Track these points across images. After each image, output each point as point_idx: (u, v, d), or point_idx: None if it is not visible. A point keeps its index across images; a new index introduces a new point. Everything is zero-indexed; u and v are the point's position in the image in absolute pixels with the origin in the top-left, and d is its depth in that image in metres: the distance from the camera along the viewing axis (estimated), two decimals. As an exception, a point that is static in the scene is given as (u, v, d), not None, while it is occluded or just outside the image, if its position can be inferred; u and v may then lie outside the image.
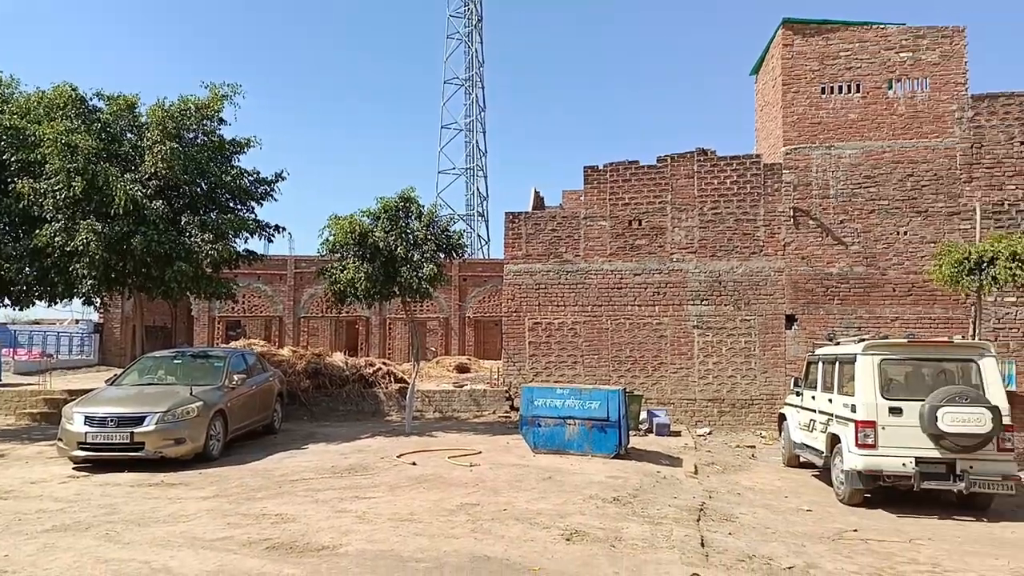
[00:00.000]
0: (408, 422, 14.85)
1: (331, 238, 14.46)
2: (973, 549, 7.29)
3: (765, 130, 17.38)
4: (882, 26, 15.53)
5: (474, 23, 61.88)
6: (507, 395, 16.98)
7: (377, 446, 12.61)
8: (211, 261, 14.33)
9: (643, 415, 15.10)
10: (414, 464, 10.83)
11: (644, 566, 6.14)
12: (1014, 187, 14.69)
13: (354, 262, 14.23)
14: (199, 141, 15.11)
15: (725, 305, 15.83)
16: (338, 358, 19.37)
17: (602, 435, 11.60)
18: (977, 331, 13.14)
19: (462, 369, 25.04)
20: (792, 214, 15.59)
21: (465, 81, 62.59)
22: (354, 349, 33.92)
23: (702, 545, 6.89)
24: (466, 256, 35.70)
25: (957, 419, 8.50)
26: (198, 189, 14.92)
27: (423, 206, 14.87)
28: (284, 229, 16.26)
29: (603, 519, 7.69)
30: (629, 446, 12.33)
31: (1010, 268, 11.91)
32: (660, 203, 16.28)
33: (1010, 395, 12.89)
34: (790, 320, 15.56)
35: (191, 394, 11.24)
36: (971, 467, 8.58)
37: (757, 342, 15.67)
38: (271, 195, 15.84)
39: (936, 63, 15.17)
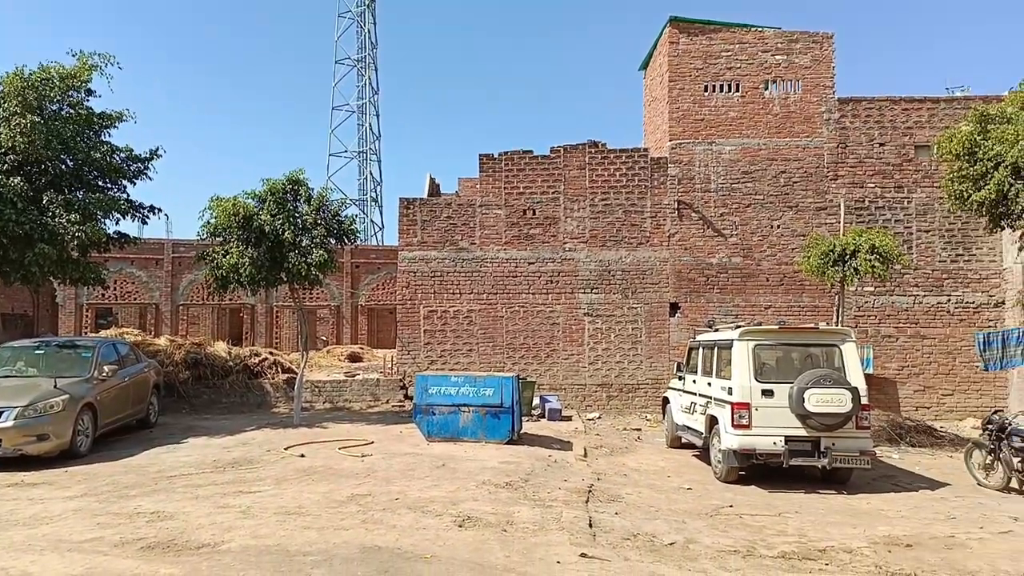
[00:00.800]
0: (297, 413, 14.40)
1: (212, 220, 13.73)
2: (834, 519, 7.92)
3: (652, 125, 18.02)
4: (760, 29, 16.43)
5: (367, 2, 60.35)
6: (401, 384, 16.82)
7: (263, 438, 12.16)
8: (78, 244, 13.28)
9: (536, 401, 15.38)
10: (302, 456, 10.53)
11: (534, 548, 6.26)
12: (874, 185, 15.98)
13: (238, 246, 13.59)
14: (64, 113, 13.91)
15: (614, 294, 16.34)
16: (221, 348, 18.50)
17: (496, 421, 11.71)
18: (840, 318, 14.23)
19: (354, 358, 24.57)
20: (677, 206, 16.28)
21: (358, 62, 61.05)
22: (239, 338, 32.48)
23: (590, 525, 7.11)
24: (359, 242, 34.99)
25: (822, 400, 9.18)
26: (63, 166, 13.75)
27: (313, 189, 14.39)
28: (160, 210, 15.27)
29: (495, 504, 7.78)
30: (522, 431, 12.53)
31: (869, 260, 12.98)
32: (554, 193, 16.56)
33: (867, 377, 14.07)
34: (674, 308, 16.27)
35: (55, 387, 10.39)
36: (833, 444, 9.29)
37: (643, 329, 16.29)
38: (145, 174, 14.83)
39: (808, 66, 16.24)
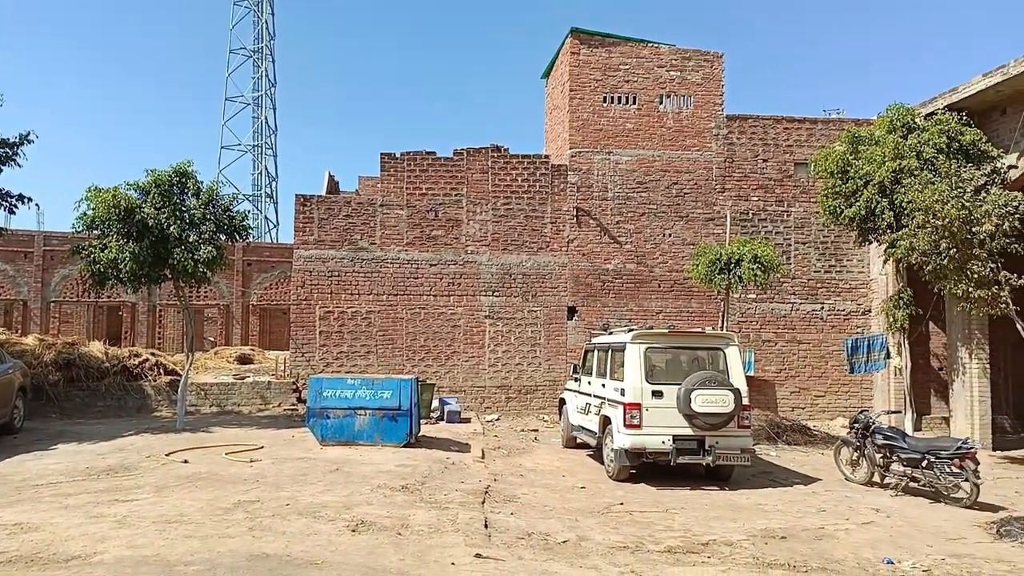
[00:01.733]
0: (180, 418, 13.67)
1: (90, 212, 12.83)
2: (716, 514, 8.33)
3: (553, 132, 18.37)
4: (656, 45, 17.10)
5: (265, -7, 58.26)
6: (294, 387, 16.30)
7: (142, 444, 11.46)
8: (-70, 233, 12.07)
9: (435, 403, 15.30)
10: (185, 462, 10.00)
11: (429, 551, 6.23)
12: (757, 199, 16.95)
13: (117, 240, 12.77)
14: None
15: (515, 297, 16.52)
16: (96, 348, 17.28)
17: (393, 424, 11.56)
18: (725, 323, 15.00)
19: (244, 360, 23.58)
20: (575, 213, 16.66)
21: (254, 52, 58.81)
22: (118, 338, 30.45)
23: (486, 526, 7.15)
24: (251, 239, 33.65)
25: (707, 400, 9.64)
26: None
27: (202, 182, 13.73)
28: (30, 200, 14.11)
29: (391, 508, 7.68)
30: (420, 434, 12.43)
31: (752, 269, 13.76)
32: (456, 195, 16.56)
33: (749, 379, 14.87)
34: (572, 311, 16.63)
35: (-102, 391, 9.39)
36: (717, 442, 9.77)
37: (542, 332, 16.55)
38: (14, 160, 13.65)
39: (699, 83, 17.04)
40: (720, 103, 17.08)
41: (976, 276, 11.25)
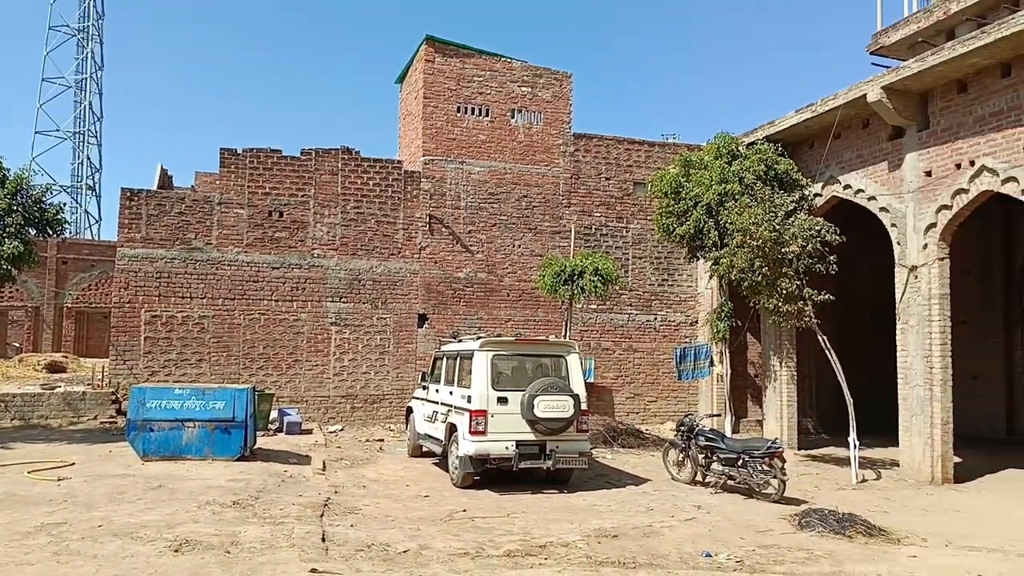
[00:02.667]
0: (-27, 433, 12.07)
1: None
2: (555, 517, 8.61)
3: (407, 138, 18.26)
4: (509, 60, 17.52)
5: (92, -33, 53.24)
6: (114, 398, 14.91)
7: (-78, 465, 10.00)
8: None
9: (274, 414, 14.62)
10: (-23, 483, 8.84)
11: (260, 568, 5.93)
12: (600, 215, 17.79)
13: (-102, 231, 11.10)
14: None
15: (364, 303, 16.18)
16: None
17: (226, 437, 10.91)
18: (568, 332, 15.58)
19: (55, 368, 21.28)
20: (428, 221, 16.64)
21: (78, 31, 53.52)
22: None
23: (323, 540, 6.92)
24: (67, 235, 30.51)
25: (548, 406, 9.96)
26: None
27: (9, 170, 12.29)
28: None
29: (219, 525, 7.23)
30: (256, 447, 11.82)
31: (594, 281, 14.42)
32: (303, 197, 15.98)
33: (589, 385, 15.50)
34: (422, 319, 16.56)
35: None
36: (557, 447, 10.11)
37: (392, 339, 16.33)
38: None
39: (549, 101, 17.66)
40: (568, 121, 17.79)
41: (785, 292, 12.49)
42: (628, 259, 17.91)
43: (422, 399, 12.54)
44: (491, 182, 17.12)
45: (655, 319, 18.03)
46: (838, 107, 12.82)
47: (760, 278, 12.65)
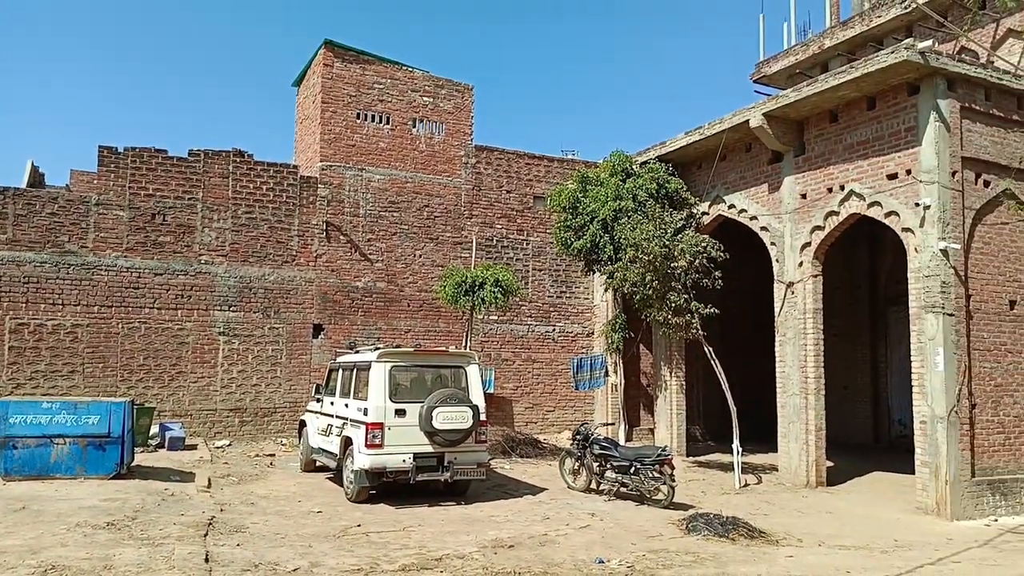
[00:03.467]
0: None
1: None
2: (452, 529, 8.56)
3: (304, 143, 17.79)
4: (411, 69, 17.44)
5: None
6: (-30, 413, 13.59)
7: None
8: None
9: (155, 429, 13.79)
10: None
11: (137, 594, 5.56)
12: (501, 226, 17.96)
13: None
14: None
15: (255, 312, 15.56)
16: None
17: (100, 454, 10.18)
18: (468, 342, 15.60)
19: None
20: (325, 228, 16.24)
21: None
22: None
23: (207, 560, 6.58)
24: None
25: (447, 417, 9.92)
26: None
27: None
28: None
29: (91, 548, 6.72)
30: (135, 464, 11.10)
31: (494, 292, 14.51)
32: (190, 199, 15.22)
33: (489, 396, 15.53)
34: (317, 329, 16.10)
35: None
36: (455, 458, 10.08)
37: (284, 350, 15.78)
38: None
39: (451, 112, 17.69)
40: (470, 133, 17.88)
41: (674, 305, 13.05)
42: (528, 271, 18.16)
43: (316, 412, 12.19)
44: (392, 190, 16.93)
45: (554, 330, 18.34)
46: (723, 131, 13.56)
47: (651, 291, 13.15)
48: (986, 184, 11.07)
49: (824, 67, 18.22)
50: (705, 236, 13.60)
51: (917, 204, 10.63)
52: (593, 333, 18.51)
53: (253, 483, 11.10)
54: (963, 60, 11.20)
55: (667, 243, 12.86)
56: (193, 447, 13.76)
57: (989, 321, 10.96)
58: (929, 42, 10.51)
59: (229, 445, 14.67)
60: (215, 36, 63.23)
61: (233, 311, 15.37)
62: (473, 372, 10.77)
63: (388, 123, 17.04)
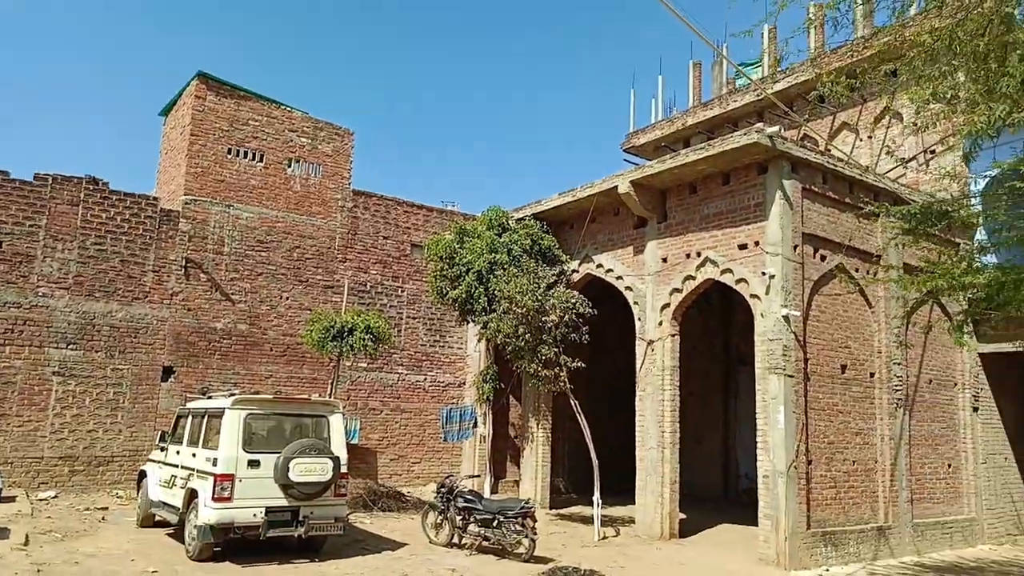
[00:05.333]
0: None
1: None
2: (302, 587, 8.09)
3: (168, 175, 16.89)
4: (290, 109, 17.12)
5: None
6: None
7: None
8: None
9: (-36, 479, 12.19)
10: None
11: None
12: (376, 272, 17.72)
13: None
14: None
15: (97, 351, 14.31)
16: None
17: None
18: (333, 390, 15.09)
19: None
20: (184, 264, 15.35)
21: None
22: None
23: (13, 632, 5.82)
24: None
25: (305, 469, 9.48)
26: None
27: None
28: None
29: None
30: (-67, 520, 9.73)
31: (364, 339, 14.22)
32: (31, 226, 13.95)
33: (353, 447, 15.06)
34: (168, 372, 15.03)
35: None
36: (312, 512, 9.61)
37: (128, 394, 14.56)
38: None
39: (329, 155, 17.46)
40: (348, 177, 17.69)
41: (544, 358, 13.34)
42: (402, 318, 17.96)
43: (160, 461, 11.28)
44: (261, 229, 16.33)
45: (425, 379, 18.13)
46: (595, 194, 14.23)
47: (523, 343, 13.38)
48: (822, 258, 12.24)
49: (687, 142, 19.68)
50: (575, 292, 14.08)
51: (763, 273, 11.56)
52: (465, 383, 18.46)
53: (80, 539, 10.03)
54: (805, 146, 12.47)
55: (540, 297, 13.20)
56: (11, 499, 12.27)
57: (824, 383, 11.97)
58: (777, 128, 11.64)
59: (55, 497, 13.21)
60: (79, 63, 59.23)
61: (71, 349, 14.06)
62: (336, 422, 10.41)
63: (262, 161, 16.53)
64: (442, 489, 11.46)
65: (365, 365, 17.00)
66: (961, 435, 14.45)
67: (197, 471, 9.72)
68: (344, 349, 14.38)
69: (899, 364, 13.10)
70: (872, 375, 12.78)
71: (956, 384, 14.55)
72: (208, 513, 9.06)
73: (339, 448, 10.16)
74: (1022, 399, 15.96)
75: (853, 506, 12.07)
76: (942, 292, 9.66)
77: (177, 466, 10.50)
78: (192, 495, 9.62)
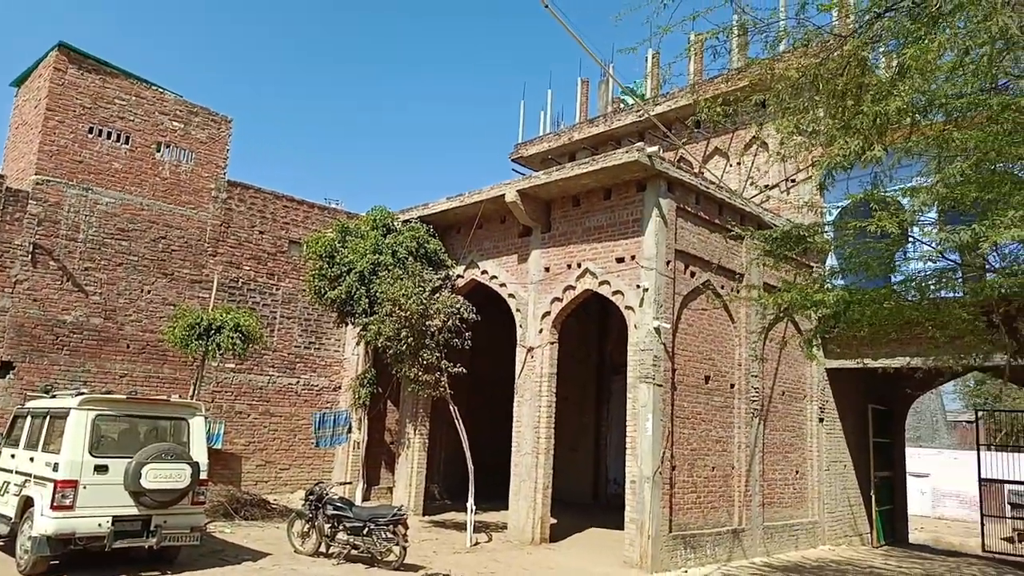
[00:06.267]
0: None
1: None
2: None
3: (17, 151, 15.37)
4: (162, 90, 16.04)
5: None
6: None
7: None
8: None
9: None
10: None
11: None
12: (249, 268, 16.90)
13: None
14: None
15: (-82, 343, 12.73)
16: None
17: None
18: (196, 392, 14.21)
19: None
20: (32, 251, 13.99)
21: None
22: None
23: None
24: None
25: (160, 475, 8.84)
26: None
27: None
28: None
29: None
30: None
31: (232, 338, 13.50)
32: None
33: (216, 452, 14.26)
34: (6, 367, 13.62)
35: None
36: (165, 521, 8.97)
37: (-44, 391, 13.05)
38: None
39: (204, 142, 16.50)
40: (224, 166, 16.78)
41: (425, 362, 13.19)
42: (276, 318, 17.21)
43: (-9, 467, 10.16)
44: (123, 216, 15.17)
45: (298, 382, 17.46)
46: (482, 201, 14.28)
47: (405, 347, 13.18)
48: (692, 274, 12.90)
49: (572, 156, 20.20)
50: (460, 297, 14.04)
51: (638, 286, 12.02)
52: (341, 387, 17.94)
53: None
54: (681, 168, 13.11)
55: (424, 301, 13.05)
56: None
57: (689, 393, 12.59)
58: (656, 148, 12.17)
59: None
60: (-87, 10, 52.77)
61: None
62: (197, 425, 9.79)
63: (127, 143, 15.37)
64: (311, 496, 11.04)
65: (233, 366, 16.16)
66: (808, 443, 15.64)
67: (35, 477, 8.84)
68: (210, 348, 13.59)
69: (756, 376, 14.01)
70: (732, 386, 13.58)
71: (805, 396, 15.74)
72: (45, 523, 8.25)
73: (199, 453, 9.55)
74: (860, 411, 17.50)
75: (711, 510, 12.75)
76: (796, 309, 10.41)
77: (11, 471, 9.51)
78: (27, 503, 8.74)
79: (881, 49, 8.42)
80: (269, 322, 16.92)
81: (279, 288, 17.39)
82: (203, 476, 9.45)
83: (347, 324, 15.84)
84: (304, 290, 16.46)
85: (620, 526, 11.93)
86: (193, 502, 9.35)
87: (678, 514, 11.94)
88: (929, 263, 8.56)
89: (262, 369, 16.89)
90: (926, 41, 6.15)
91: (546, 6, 10.00)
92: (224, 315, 13.75)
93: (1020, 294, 7.60)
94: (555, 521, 13.71)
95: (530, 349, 13.69)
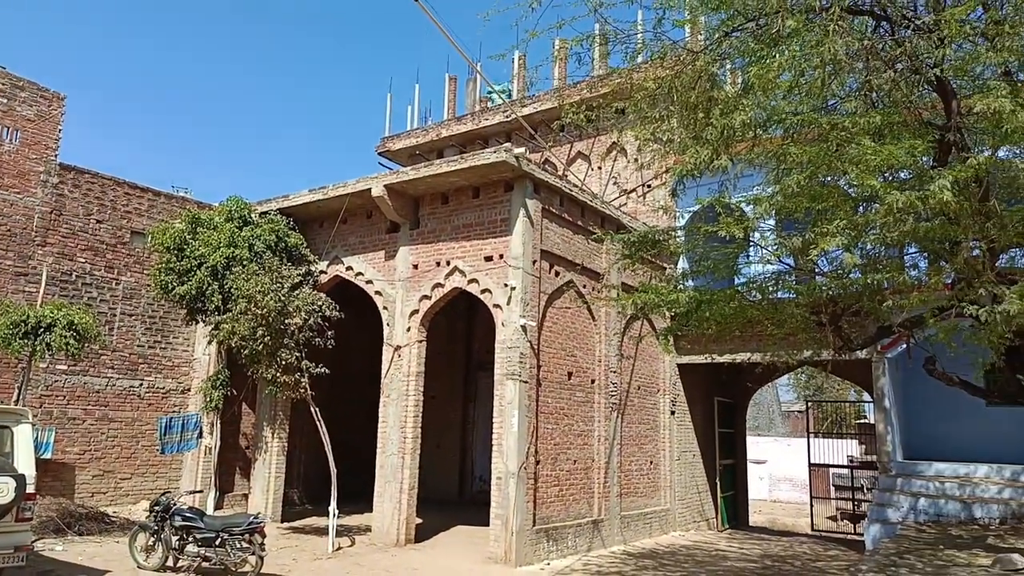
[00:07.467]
0: None
1: None
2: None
3: None
4: (-18, 60, 14.29)
5: None
6: None
7: None
8: None
9: None
10: None
11: None
12: (84, 260, 15.43)
13: None
14: None
15: None
16: None
17: None
18: (22, 396, 12.80)
19: None
20: None
21: None
22: None
23: None
24: None
25: (-24, 491, 7.87)
26: None
27: None
28: None
29: None
30: None
31: (65, 337, 12.29)
32: None
33: (45, 463, 12.95)
34: None
35: None
36: (-17, 543, 8.01)
37: None
38: None
39: (32, 120, 14.86)
40: (55, 148, 15.20)
41: (284, 363, 12.61)
42: (116, 315, 15.84)
43: None
44: (-70, 201, 13.36)
45: (141, 385, 16.17)
46: (347, 194, 13.91)
47: (262, 347, 12.53)
48: (557, 274, 13.25)
49: (440, 153, 20.15)
50: (322, 294, 13.56)
51: (506, 285, 12.19)
52: (190, 390, 16.81)
53: None
54: (546, 170, 13.43)
55: (283, 298, 12.47)
56: None
57: (553, 389, 12.94)
58: (523, 149, 12.38)
59: None
60: None
61: None
62: (23, 433, 8.79)
63: (-64, 116, 13.56)
64: (156, 507, 10.26)
65: (65, 367, 14.71)
66: (661, 435, 16.56)
67: None
68: (38, 348, 12.29)
69: (615, 372, 14.64)
70: (593, 381, 14.11)
71: (659, 390, 16.65)
72: None
73: (25, 464, 8.57)
74: (707, 404, 18.78)
75: (573, 502, 13.18)
76: (651, 308, 10.98)
77: None
78: None
79: (728, 66, 9.06)
80: (108, 319, 15.56)
81: (119, 282, 16.01)
82: (31, 490, 8.51)
83: (198, 322, 14.87)
84: (149, 285, 15.27)
85: (486, 523, 12.04)
86: (18, 519, 8.37)
87: (542, 508, 12.24)
88: (768, 266, 9.31)
89: (99, 371, 15.48)
90: (767, 61, 6.67)
91: (416, 0, 9.89)
92: (55, 311, 12.47)
93: (844, 296, 8.45)
94: (421, 521, 13.62)
95: (398, 347, 13.50)
